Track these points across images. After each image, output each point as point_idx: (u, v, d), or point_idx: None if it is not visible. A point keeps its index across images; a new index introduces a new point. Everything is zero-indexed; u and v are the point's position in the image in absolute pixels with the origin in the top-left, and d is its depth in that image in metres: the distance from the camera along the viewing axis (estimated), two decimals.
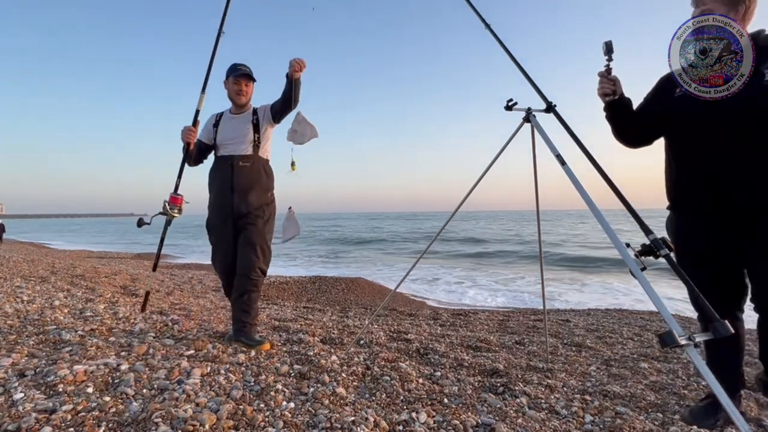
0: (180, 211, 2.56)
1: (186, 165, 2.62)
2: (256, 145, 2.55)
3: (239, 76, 2.55)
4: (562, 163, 1.82)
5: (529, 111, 2.07)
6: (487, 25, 2.19)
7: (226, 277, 2.57)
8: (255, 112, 2.62)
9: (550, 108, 1.98)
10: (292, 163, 2.60)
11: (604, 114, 1.83)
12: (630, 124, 1.78)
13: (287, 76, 2.38)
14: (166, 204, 2.52)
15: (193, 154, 2.63)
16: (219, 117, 2.65)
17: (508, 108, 2.14)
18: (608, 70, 1.73)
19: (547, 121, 2.02)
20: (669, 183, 1.76)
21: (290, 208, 2.71)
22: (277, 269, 10.40)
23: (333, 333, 3.05)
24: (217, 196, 2.56)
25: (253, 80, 2.62)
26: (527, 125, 2.09)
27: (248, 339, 2.43)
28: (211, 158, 2.71)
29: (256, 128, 2.56)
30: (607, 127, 1.87)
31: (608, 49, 1.69)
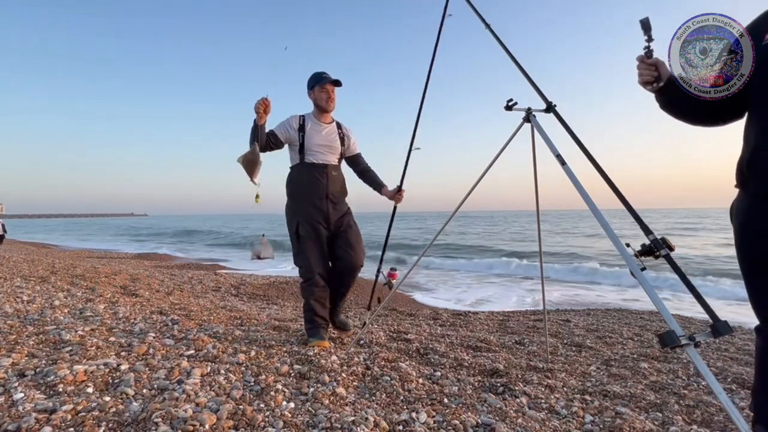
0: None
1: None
2: (341, 156, 2.73)
3: (327, 83, 2.61)
4: (562, 163, 1.82)
5: (529, 111, 2.07)
6: (487, 25, 2.19)
7: (319, 279, 2.61)
8: (339, 126, 2.74)
9: (550, 108, 1.98)
10: (257, 196, 2.62)
11: (657, 103, 1.50)
12: (694, 103, 1.40)
13: (383, 193, 2.83)
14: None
15: (262, 137, 2.50)
16: (303, 121, 2.64)
17: (508, 108, 2.14)
18: (648, 52, 1.45)
19: (547, 121, 2.02)
20: (750, 152, 1.27)
21: (263, 235, 2.92)
22: (277, 269, 10.40)
23: (333, 333, 3.05)
24: (310, 203, 2.59)
25: (340, 85, 2.66)
26: (527, 125, 2.10)
27: (342, 324, 2.86)
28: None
29: (342, 141, 2.72)
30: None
31: (646, 27, 1.44)
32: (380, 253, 3.04)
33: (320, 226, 2.59)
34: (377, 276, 2.85)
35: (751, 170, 1.26)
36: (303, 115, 2.67)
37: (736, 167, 1.35)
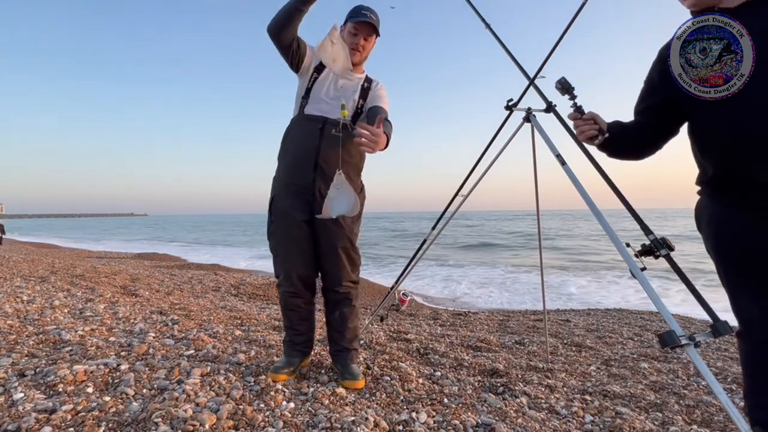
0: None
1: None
2: (358, 113, 1.95)
3: (360, 23, 1.87)
4: (562, 163, 1.82)
5: (529, 111, 2.07)
6: (487, 25, 2.19)
7: (294, 283, 1.94)
8: (369, 79, 2.01)
9: (550, 108, 1.98)
10: (342, 106, 1.76)
11: (604, 153, 1.51)
12: (634, 142, 1.45)
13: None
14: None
15: (294, 20, 1.74)
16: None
17: (508, 108, 2.14)
18: (578, 109, 1.44)
19: (547, 121, 2.02)
20: (708, 157, 1.28)
21: (339, 171, 1.73)
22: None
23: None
24: (293, 172, 1.87)
25: (377, 34, 1.94)
26: (527, 125, 2.10)
27: (344, 369, 1.98)
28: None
29: (364, 95, 1.96)
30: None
31: (564, 87, 1.42)
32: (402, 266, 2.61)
33: (303, 207, 1.87)
34: (391, 290, 2.47)
35: (725, 180, 1.27)
36: None
37: (698, 177, 1.37)
